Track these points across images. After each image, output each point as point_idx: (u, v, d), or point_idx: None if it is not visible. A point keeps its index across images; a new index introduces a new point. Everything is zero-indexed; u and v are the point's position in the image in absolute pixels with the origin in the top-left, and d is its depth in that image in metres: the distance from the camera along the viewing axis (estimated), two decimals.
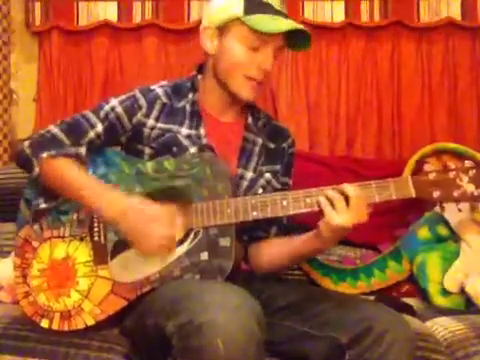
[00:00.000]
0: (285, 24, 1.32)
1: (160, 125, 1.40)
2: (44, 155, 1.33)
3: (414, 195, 1.22)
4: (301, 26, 1.34)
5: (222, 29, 1.37)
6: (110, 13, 2.42)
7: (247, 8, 1.33)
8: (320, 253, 1.45)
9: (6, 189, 2.05)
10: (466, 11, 2.32)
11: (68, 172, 1.31)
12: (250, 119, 1.48)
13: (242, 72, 1.36)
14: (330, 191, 1.22)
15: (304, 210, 1.25)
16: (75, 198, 1.31)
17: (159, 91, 1.43)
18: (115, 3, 2.42)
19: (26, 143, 1.37)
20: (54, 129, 1.38)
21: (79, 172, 1.32)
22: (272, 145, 1.50)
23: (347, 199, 1.20)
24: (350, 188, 1.20)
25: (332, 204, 1.20)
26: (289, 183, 1.52)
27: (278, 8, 1.34)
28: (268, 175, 1.46)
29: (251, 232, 1.44)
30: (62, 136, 1.36)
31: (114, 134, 1.41)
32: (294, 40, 1.37)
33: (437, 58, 2.36)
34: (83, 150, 1.36)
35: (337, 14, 2.36)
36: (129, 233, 1.25)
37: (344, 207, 1.19)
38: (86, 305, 1.28)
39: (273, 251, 1.41)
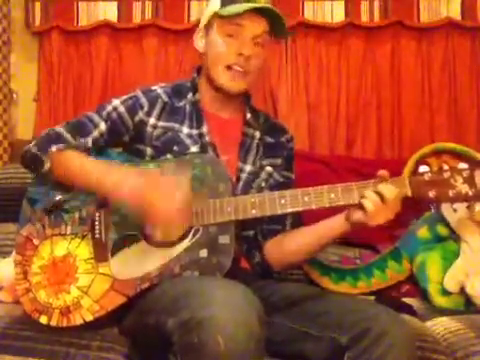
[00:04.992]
0: (247, 6, 1.36)
1: (161, 123, 1.43)
2: (53, 149, 1.34)
3: (410, 194, 1.25)
4: (261, 4, 1.37)
5: (207, 27, 1.45)
6: (110, 13, 2.42)
7: (223, 1, 1.40)
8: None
9: (6, 189, 2.05)
10: (466, 11, 2.32)
11: (76, 161, 1.33)
12: (248, 115, 1.51)
13: (222, 63, 1.40)
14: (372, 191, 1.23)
15: (301, 208, 1.26)
16: (85, 186, 1.31)
17: (160, 91, 1.47)
18: (115, 3, 2.42)
19: (31, 144, 1.38)
20: (59, 129, 1.40)
21: (87, 160, 1.34)
22: (271, 140, 1.53)
23: (382, 198, 1.22)
24: (387, 189, 1.22)
25: (374, 204, 1.22)
26: (292, 177, 1.54)
27: None
28: (269, 168, 1.49)
29: (265, 228, 1.45)
30: (67, 135, 1.39)
31: (117, 133, 1.43)
32: (281, 28, 1.41)
33: (437, 58, 2.36)
34: (89, 145, 1.39)
35: (337, 14, 2.36)
36: (145, 203, 1.20)
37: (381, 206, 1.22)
38: (85, 301, 1.28)
39: (300, 240, 1.40)
